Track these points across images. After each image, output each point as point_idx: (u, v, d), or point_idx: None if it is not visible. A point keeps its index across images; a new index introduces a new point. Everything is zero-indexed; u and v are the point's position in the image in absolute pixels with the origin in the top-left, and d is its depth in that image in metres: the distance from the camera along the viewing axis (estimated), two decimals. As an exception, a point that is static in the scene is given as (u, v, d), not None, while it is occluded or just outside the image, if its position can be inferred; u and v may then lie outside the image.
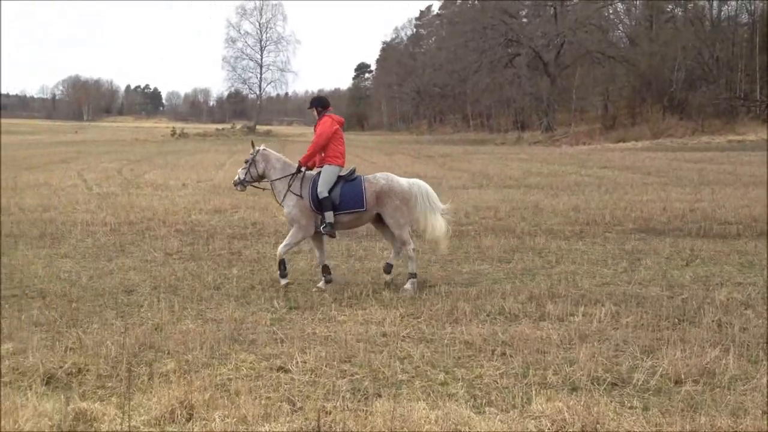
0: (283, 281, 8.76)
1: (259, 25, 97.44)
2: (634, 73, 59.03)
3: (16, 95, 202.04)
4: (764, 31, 52.59)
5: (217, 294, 8.43)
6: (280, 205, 9.13)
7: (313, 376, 5.63)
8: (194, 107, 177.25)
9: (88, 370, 5.71)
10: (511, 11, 68.20)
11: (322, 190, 8.67)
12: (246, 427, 4.53)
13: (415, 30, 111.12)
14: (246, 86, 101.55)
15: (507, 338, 6.58)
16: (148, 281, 8.98)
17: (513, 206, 15.88)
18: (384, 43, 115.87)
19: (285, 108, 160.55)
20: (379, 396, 5.21)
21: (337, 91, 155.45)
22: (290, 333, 6.78)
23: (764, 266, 9.78)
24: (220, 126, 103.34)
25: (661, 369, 5.72)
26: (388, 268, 9.05)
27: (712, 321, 7.11)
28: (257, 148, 9.31)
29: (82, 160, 33.64)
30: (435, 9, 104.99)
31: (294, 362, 5.89)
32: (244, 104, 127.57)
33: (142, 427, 4.56)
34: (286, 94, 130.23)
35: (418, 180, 9.29)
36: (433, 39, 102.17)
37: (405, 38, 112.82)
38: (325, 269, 8.91)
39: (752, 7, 57.15)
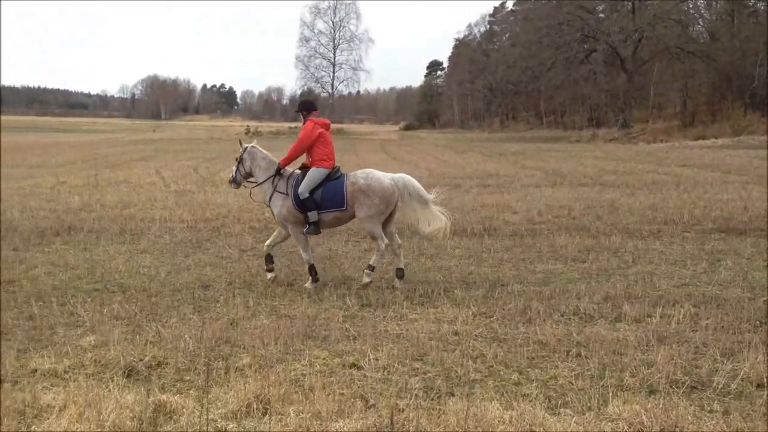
0: (309, 284, 8.80)
1: (333, 24, 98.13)
2: (714, 69, 57.06)
3: (98, 95, 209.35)
4: None
5: (290, 290, 8.55)
6: (267, 205, 9.26)
7: (385, 374, 5.65)
8: (268, 106, 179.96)
9: (167, 364, 5.86)
10: (587, 7, 66.90)
11: (303, 191, 8.74)
12: (320, 423, 4.57)
13: (488, 26, 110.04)
14: (318, 85, 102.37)
15: (582, 339, 6.47)
16: (223, 277, 9.16)
17: (588, 205, 15.59)
18: (456, 40, 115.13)
19: (356, 106, 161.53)
20: (452, 395, 5.19)
21: (408, 89, 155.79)
22: (362, 330, 6.82)
23: None
24: (292, 124, 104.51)
25: (742, 372, 5.55)
26: (399, 273, 8.85)
27: (797, 324, 6.84)
28: (245, 145, 9.43)
29: (160, 158, 34.53)
30: (509, 5, 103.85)
31: (366, 359, 5.92)
32: (317, 102, 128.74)
33: (219, 420, 4.65)
34: (358, 92, 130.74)
35: (403, 175, 9.12)
36: (506, 35, 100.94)
37: (478, 35, 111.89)
38: (269, 258, 9.07)
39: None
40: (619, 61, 64.62)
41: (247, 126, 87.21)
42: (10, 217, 14.24)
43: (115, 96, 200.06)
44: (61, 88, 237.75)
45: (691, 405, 4.99)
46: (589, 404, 5.02)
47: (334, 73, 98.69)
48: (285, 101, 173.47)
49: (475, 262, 10.13)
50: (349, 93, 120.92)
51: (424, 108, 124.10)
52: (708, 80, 58.73)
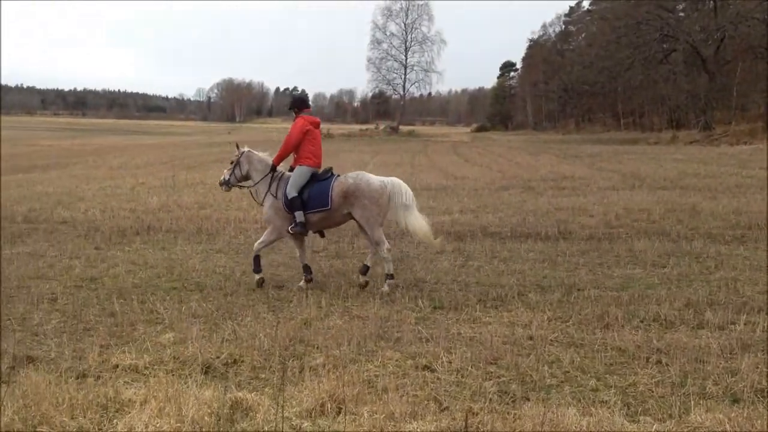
0: (257, 276, 8.93)
1: (405, 26, 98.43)
2: (801, 69, 54.94)
3: (175, 98, 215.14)
4: None
5: (362, 292, 8.56)
6: (261, 205, 9.31)
7: (458, 377, 5.59)
8: (339, 108, 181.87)
9: (242, 361, 5.93)
10: (667, 6, 65.15)
11: (290, 191, 8.79)
12: (394, 424, 4.55)
13: (563, 26, 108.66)
14: (390, 87, 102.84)
15: (662, 346, 6.28)
16: (296, 277, 9.24)
17: (668, 208, 15.17)
18: (530, 40, 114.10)
19: (428, 108, 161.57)
20: (527, 399, 5.10)
21: (480, 90, 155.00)
22: (435, 332, 6.76)
23: None
24: (363, 126, 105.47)
25: (831, 383, 5.28)
26: (363, 270, 8.85)
27: None
28: (242, 149, 9.49)
29: (235, 160, 35.10)
30: (585, 5, 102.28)
31: (439, 362, 5.88)
32: (388, 105, 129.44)
33: (294, 418, 4.67)
34: (429, 94, 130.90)
35: (394, 178, 9.02)
36: (582, 35, 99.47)
37: (553, 35, 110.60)
38: (306, 269, 8.99)
39: None
40: (700, 61, 62.68)
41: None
42: (92, 216, 14.74)
43: (192, 99, 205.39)
44: (140, 91, 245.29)
45: (777, 415, 4.78)
46: (669, 412, 4.86)
47: (405, 75, 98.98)
48: (356, 103, 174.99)
49: (549, 265, 9.96)
50: (421, 95, 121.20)
51: (496, 109, 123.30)
52: (794, 80, 56.47)
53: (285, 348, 6.26)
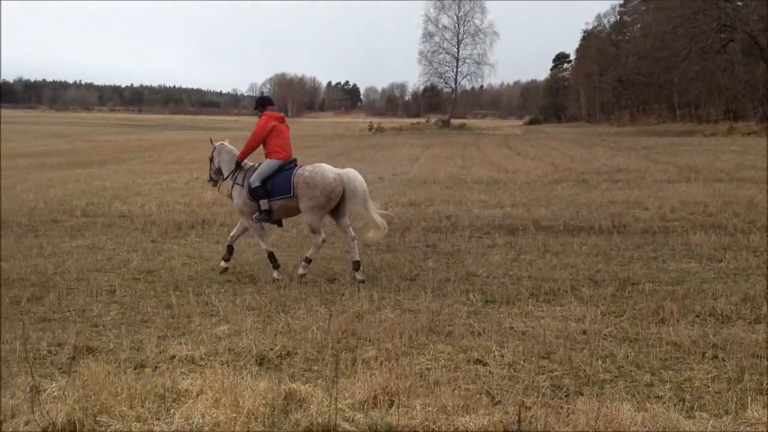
0: (275, 273, 9.08)
1: (457, 19, 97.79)
2: None
3: (228, 93, 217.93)
4: None
5: (414, 285, 8.58)
6: (230, 197, 9.59)
7: (511, 371, 5.58)
8: (390, 102, 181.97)
9: (296, 353, 6.01)
10: (725, -5, 63.53)
11: (254, 180, 9.09)
12: (446, 417, 4.56)
13: (618, 17, 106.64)
14: (442, 80, 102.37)
15: (719, 341, 6.18)
16: (348, 271, 9.30)
17: (724, 201, 14.84)
18: (585, 31, 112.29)
19: (480, 101, 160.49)
20: (581, 394, 5.07)
21: (533, 82, 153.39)
22: (487, 326, 6.76)
23: None
24: (415, 120, 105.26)
25: None
26: (356, 266, 8.90)
27: None
28: (215, 144, 9.76)
29: (287, 155, 35.44)
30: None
31: (491, 356, 5.88)
32: (439, 98, 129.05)
33: (347, 410, 4.72)
34: (481, 86, 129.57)
35: (349, 170, 9.14)
36: (638, 26, 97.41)
37: (607, 26, 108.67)
38: (229, 249, 9.39)
39: None
40: (758, 51, 60.88)
41: (370, 122, 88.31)
42: (149, 211, 15.06)
43: (245, 94, 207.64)
44: (195, 87, 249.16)
45: (838, 412, 4.66)
46: (726, 408, 4.78)
47: (457, 68, 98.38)
48: (407, 97, 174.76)
49: (603, 259, 9.85)
50: (472, 88, 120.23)
51: (549, 102, 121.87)
52: None
53: (337, 341, 6.33)
